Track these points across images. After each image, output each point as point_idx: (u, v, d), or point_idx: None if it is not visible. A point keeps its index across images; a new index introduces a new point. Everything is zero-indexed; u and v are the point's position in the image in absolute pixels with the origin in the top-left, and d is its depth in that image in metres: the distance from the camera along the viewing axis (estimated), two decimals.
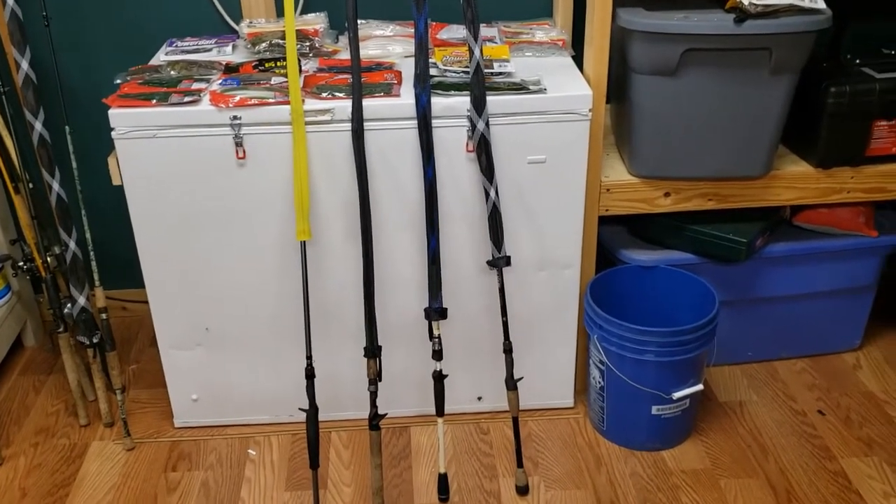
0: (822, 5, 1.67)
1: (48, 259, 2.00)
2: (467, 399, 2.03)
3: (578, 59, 1.87)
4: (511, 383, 1.79)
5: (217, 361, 1.94)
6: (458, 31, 1.97)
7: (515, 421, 1.83)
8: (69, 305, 2.00)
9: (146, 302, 1.88)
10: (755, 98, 1.76)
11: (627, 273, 2.00)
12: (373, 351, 1.73)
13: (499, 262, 1.77)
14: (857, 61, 1.93)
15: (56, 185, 1.93)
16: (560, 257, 1.88)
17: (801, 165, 1.94)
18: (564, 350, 1.99)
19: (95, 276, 1.91)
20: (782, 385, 2.13)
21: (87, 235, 1.89)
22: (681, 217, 1.96)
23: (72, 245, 1.97)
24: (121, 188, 1.75)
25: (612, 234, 2.07)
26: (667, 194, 1.90)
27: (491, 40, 1.94)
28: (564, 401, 2.05)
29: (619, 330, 1.80)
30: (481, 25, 1.93)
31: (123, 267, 2.30)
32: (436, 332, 1.76)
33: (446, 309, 1.78)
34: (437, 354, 1.75)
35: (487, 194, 1.74)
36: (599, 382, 1.91)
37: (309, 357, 1.69)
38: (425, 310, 1.77)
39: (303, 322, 1.72)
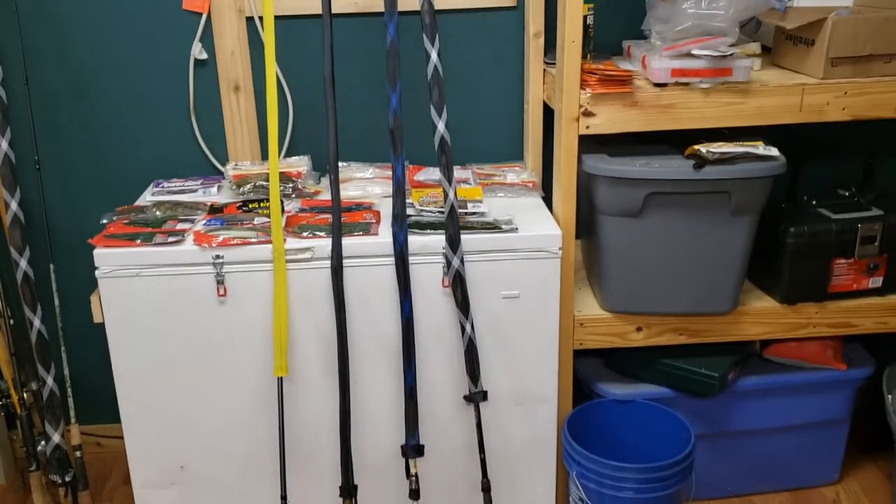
0: (775, 152, 1.77)
1: (24, 395, 1.99)
2: None
3: (548, 200, 1.95)
4: None
5: (191, 501, 1.91)
6: (434, 173, 2.05)
7: None
8: (43, 443, 1.97)
9: (121, 437, 1.87)
10: (718, 238, 1.83)
11: (604, 407, 2.01)
12: (348, 490, 1.71)
13: (476, 397, 1.79)
14: (814, 202, 2.02)
15: (37, 322, 1.94)
16: (537, 391, 1.89)
17: (767, 301, 2.00)
18: (544, 487, 1.97)
19: (72, 413, 1.90)
20: None
21: (66, 372, 1.89)
22: (654, 351, 2.00)
23: (49, 381, 1.96)
24: (101, 324, 1.77)
25: (589, 367, 2.09)
26: (639, 329, 1.94)
27: (465, 181, 2.03)
28: None
29: (597, 466, 1.79)
30: (456, 167, 2.02)
31: (99, 401, 2.27)
32: (413, 470, 1.75)
33: (423, 446, 1.78)
34: (415, 494, 1.74)
35: (463, 329, 1.77)
36: None
37: (283, 497, 1.67)
38: (402, 447, 1.76)
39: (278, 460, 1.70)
